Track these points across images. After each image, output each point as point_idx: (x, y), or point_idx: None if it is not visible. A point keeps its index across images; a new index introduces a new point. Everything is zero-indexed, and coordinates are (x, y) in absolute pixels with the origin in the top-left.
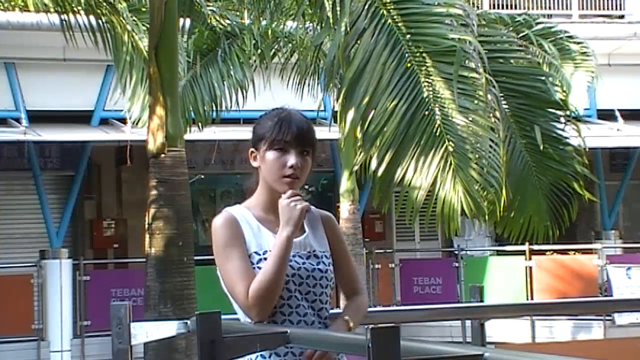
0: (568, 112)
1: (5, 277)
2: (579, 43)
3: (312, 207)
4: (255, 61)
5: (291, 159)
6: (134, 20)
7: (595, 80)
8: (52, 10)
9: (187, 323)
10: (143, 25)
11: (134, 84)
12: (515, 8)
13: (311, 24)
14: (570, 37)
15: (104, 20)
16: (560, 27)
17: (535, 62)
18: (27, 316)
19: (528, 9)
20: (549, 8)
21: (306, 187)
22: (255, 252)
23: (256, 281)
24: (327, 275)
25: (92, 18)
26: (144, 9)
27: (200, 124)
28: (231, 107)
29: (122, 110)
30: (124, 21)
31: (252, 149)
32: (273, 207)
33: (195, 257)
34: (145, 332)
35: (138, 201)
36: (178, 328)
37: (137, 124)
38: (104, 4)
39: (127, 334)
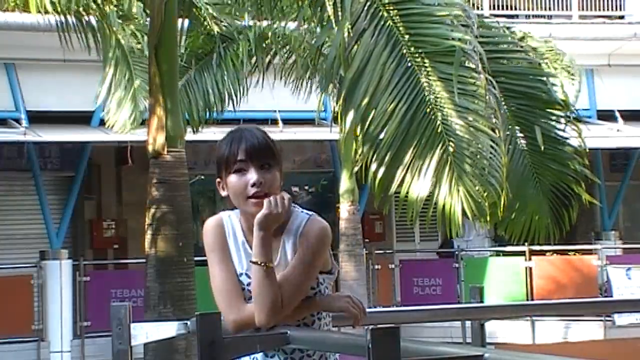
0: (568, 113)
1: (6, 277)
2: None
3: (302, 215)
4: (253, 64)
5: (252, 177)
6: (120, 23)
7: (578, 84)
8: (50, 11)
9: (187, 324)
10: (131, 30)
11: (114, 86)
12: (515, 9)
13: (310, 25)
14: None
15: (92, 21)
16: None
17: (535, 63)
18: (27, 317)
19: (528, 9)
20: (549, 9)
21: (306, 187)
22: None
23: (245, 322)
24: None
25: (83, 19)
26: (135, 18)
27: (194, 128)
28: (222, 110)
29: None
30: (111, 24)
31: (217, 179)
32: (252, 230)
33: (195, 258)
34: (145, 332)
35: (138, 202)
36: (178, 329)
37: (112, 127)
38: (94, 5)
39: (127, 334)
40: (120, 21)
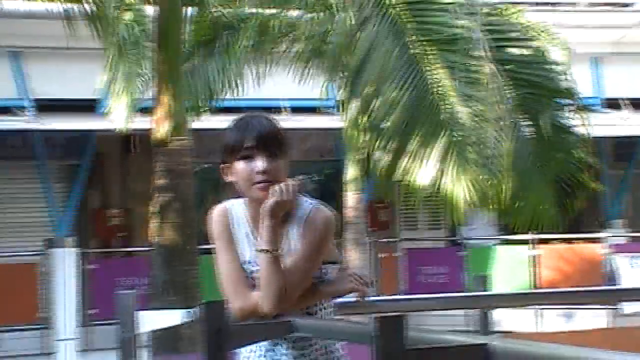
0: (574, 101)
1: (11, 265)
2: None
3: (307, 205)
4: (257, 51)
5: (258, 164)
6: (117, 12)
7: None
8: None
9: (192, 311)
10: (127, 19)
11: (113, 76)
12: None
13: (314, 13)
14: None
15: (94, 9)
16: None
17: (541, 51)
18: (32, 305)
19: None
20: None
21: (311, 176)
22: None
23: (250, 310)
24: None
25: (86, 7)
26: (131, 7)
27: (196, 115)
28: (225, 97)
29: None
30: (109, 13)
31: (222, 164)
32: (257, 218)
33: (200, 246)
34: (150, 320)
35: (143, 190)
36: (183, 316)
37: (108, 113)
38: None
39: (132, 322)
40: (117, 10)
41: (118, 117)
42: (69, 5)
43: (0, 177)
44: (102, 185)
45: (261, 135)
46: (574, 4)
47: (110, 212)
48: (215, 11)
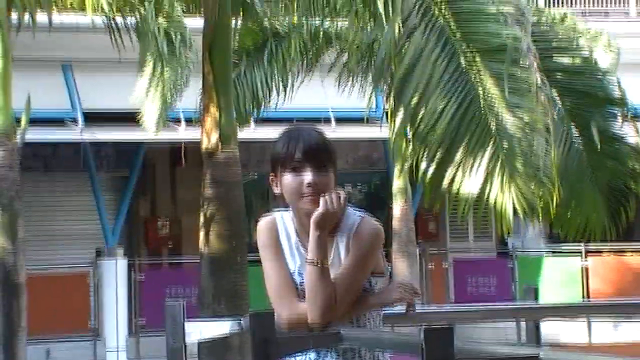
0: (625, 110)
1: (63, 275)
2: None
3: (354, 216)
4: (304, 60)
5: (307, 177)
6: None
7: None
8: (106, 11)
9: (240, 322)
10: (165, 28)
11: (152, 86)
12: (571, 5)
13: (362, 23)
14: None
15: (133, 20)
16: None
17: (591, 59)
18: (83, 314)
19: (584, 5)
20: (605, 5)
21: (358, 186)
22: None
23: (298, 320)
24: None
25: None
26: (170, 17)
27: (241, 124)
28: (270, 106)
29: (176, 111)
30: (149, 23)
31: (271, 176)
32: (305, 229)
33: (249, 256)
34: (199, 330)
35: (192, 200)
36: (232, 327)
37: (142, 121)
38: (147, 4)
39: (181, 332)
40: (158, 21)
41: (151, 124)
42: (111, 17)
43: (52, 188)
44: (151, 196)
45: (310, 147)
46: (626, 13)
47: (160, 223)
48: (265, 20)
